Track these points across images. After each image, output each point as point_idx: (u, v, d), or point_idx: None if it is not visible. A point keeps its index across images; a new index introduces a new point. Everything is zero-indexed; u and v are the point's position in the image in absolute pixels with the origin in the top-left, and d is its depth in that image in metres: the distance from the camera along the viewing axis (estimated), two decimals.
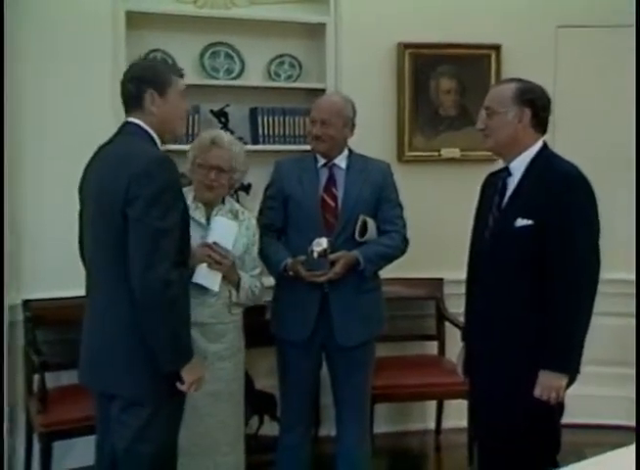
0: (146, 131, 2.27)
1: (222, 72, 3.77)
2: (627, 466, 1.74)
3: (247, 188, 3.76)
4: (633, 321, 3.68)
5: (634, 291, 3.63)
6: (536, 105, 2.41)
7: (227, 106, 3.73)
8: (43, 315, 3.33)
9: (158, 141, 2.30)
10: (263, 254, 2.92)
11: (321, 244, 2.78)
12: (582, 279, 2.31)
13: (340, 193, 2.91)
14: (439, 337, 3.90)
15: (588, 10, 3.89)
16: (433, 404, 3.96)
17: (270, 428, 3.50)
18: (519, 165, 2.43)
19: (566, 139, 3.50)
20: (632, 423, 3.19)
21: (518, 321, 2.38)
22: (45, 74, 3.37)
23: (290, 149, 3.66)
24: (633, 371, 3.49)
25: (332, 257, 2.80)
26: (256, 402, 3.51)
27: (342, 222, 2.88)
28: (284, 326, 2.97)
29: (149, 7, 3.57)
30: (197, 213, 2.77)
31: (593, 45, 3.91)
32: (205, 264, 2.68)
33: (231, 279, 2.77)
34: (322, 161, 2.96)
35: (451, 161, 3.94)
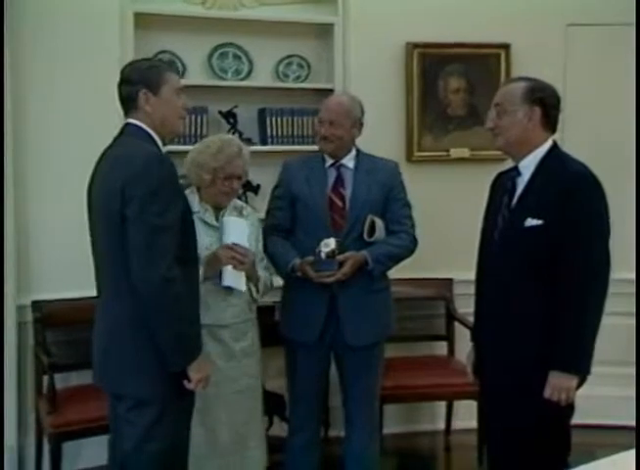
0: (146, 131, 2.28)
1: (230, 73, 3.77)
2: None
3: (255, 189, 3.76)
4: None
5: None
6: (546, 103, 2.39)
7: (235, 107, 3.73)
8: (52, 316, 3.34)
9: (158, 141, 2.31)
10: (271, 254, 2.92)
11: (329, 244, 2.77)
12: (593, 279, 2.30)
13: (347, 193, 2.91)
14: (449, 337, 3.88)
15: (598, 8, 3.86)
16: (442, 405, 3.95)
17: (279, 429, 3.50)
18: (528, 165, 2.42)
19: (575, 138, 3.49)
20: None
21: (527, 321, 2.36)
22: (52, 75, 3.37)
23: (299, 149, 3.65)
24: None
25: (340, 257, 2.79)
26: (266, 403, 3.49)
27: (349, 222, 2.88)
28: (292, 327, 2.97)
29: (157, 8, 3.58)
30: (207, 216, 2.78)
31: (603, 44, 3.89)
32: (229, 266, 2.69)
33: (252, 276, 2.80)
34: (330, 161, 2.95)
35: (460, 160, 3.93)
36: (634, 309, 3.67)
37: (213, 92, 3.69)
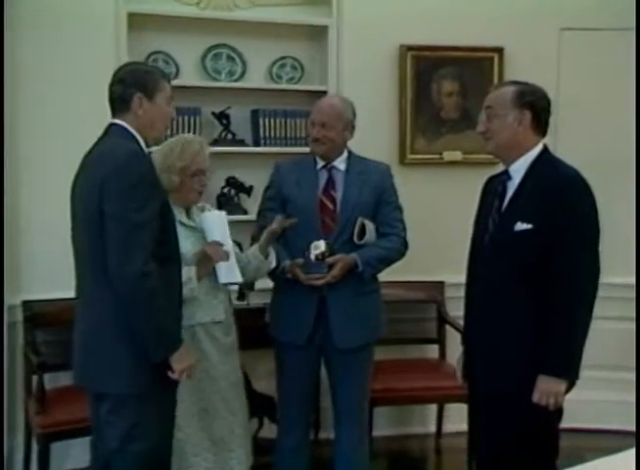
0: (131, 133, 2.28)
1: (224, 74, 3.77)
2: None
3: (248, 190, 3.76)
4: (632, 325, 3.66)
5: (634, 295, 3.60)
6: (536, 107, 2.39)
7: (229, 108, 3.72)
8: (42, 316, 3.33)
9: (142, 143, 2.31)
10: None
11: (319, 247, 2.77)
12: (582, 284, 2.30)
13: (338, 195, 2.91)
14: (440, 340, 3.88)
15: (592, 12, 3.87)
16: (433, 408, 3.95)
17: (269, 430, 3.49)
18: (519, 169, 2.42)
19: (568, 142, 3.49)
20: (631, 428, 3.16)
21: (517, 325, 2.36)
22: (46, 76, 3.36)
23: (291, 151, 3.64)
24: (632, 375, 3.47)
25: (330, 260, 2.79)
26: (256, 405, 3.49)
27: (340, 225, 2.87)
28: (282, 329, 2.96)
29: (151, 8, 3.56)
30: (184, 218, 2.76)
31: (597, 48, 3.90)
32: (222, 263, 2.69)
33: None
34: (321, 163, 2.95)
35: (453, 163, 3.93)
36: (622, 314, 3.70)
37: (207, 93, 3.68)
